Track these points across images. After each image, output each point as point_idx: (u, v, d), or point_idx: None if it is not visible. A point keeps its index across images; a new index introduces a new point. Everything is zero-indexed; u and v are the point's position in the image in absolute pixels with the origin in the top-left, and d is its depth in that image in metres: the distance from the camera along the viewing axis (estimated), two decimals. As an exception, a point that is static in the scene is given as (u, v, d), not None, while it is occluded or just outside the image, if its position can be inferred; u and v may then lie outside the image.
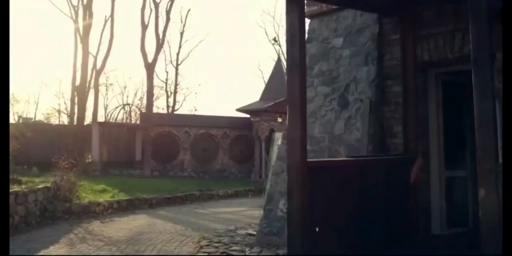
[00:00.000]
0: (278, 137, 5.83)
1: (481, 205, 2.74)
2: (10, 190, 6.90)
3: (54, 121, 30.83)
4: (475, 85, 2.72)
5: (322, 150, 5.13)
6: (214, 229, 6.94)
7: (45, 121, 28.38)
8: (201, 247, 5.57)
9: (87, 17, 20.20)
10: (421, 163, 4.54)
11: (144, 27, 20.72)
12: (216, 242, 5.77)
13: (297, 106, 2.92)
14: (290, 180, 3.09)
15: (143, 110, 22.36)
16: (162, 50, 23.67)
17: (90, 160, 16.22)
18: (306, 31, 6.03)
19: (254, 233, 5.95)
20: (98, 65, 22.22)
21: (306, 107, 3.06)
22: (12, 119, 25.60)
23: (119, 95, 33.85)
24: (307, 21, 6.03)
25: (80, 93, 20.53)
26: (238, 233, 6.45)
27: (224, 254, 5.06)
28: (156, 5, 21.11)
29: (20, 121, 22.80)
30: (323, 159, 4.80)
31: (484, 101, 2.65)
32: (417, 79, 4.73)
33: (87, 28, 20.12)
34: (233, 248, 5.35)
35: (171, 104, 30.25)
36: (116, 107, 21.26)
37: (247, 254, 5.00)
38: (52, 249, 5.58)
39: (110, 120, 20.56)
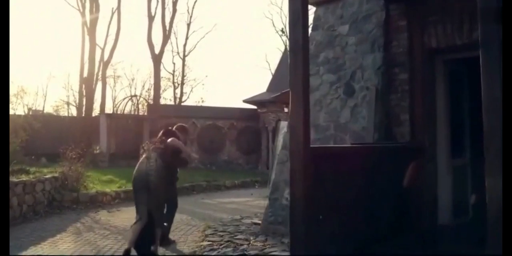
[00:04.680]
0: (283, 126, 5.78)
1: (488, 192, 2.68)
2: (18, 180, 6.99)
3: (63, 113, 31.02)
4: (483, 68, 2.63)
5: (327, 138, 5.08)
6: (219, 219, 6.95)
7: (54, 113, 28.58)
8: (206, 236, 5.58)
9: (94, 9, 20.21)
10: (419, 164, 4.37)
11: (151, 18, 20.72)
12: (221, 231, 5.78)
13: (300, 91, 2.87)
14: (292, 168, 3.04)
15: (151, 102, 22.41)
16: (169, 41, 23.68)
17: (98, 151, 16.33)
18: (312, 19, 5.95)
19: (260, 222, 5.94)
20: (106, 57, 22.27)
21: (309, 92, 3.00)
22: (22, 111, 25.80)
23: (127, 87, 33.92)
24: (313, 8, 5.95)
25: (88, 85, 20.62)
26: (244, 222, 6.45)
27: (229, 242, 5.06)
28: (163, -4, 21.03)
29: (30, 113, 22.99)
30: (327, 145, 4.75)
31: (492, 85, 2.57)
32: (425, 66, 4.65)
33: (94, 20, 20.13)
34: (238, 236, 5.35)
35: (178, 95, 30.29)
36: (124, 99, 21.35)
37: (251, 243, 5.00)
38: (59, 238, 5.63)
39: (118, 112, 20.65)
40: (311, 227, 3.18)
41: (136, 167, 4.48)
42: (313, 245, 3.13)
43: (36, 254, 4.84)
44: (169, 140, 4.65)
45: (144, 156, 4.52)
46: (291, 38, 2.89)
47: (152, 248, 4.36)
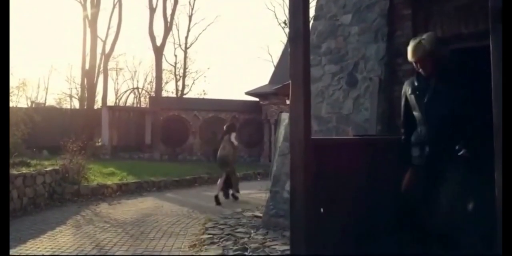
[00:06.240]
0: (285, 118, 5.69)
1: (497, 183, 2.59)
2: (18, 172, 6.95)
3: (66, 105, 30.98)
4: (493, 56, 2.53)
5: (329, 130, 4.99)
6: (220, 212, 6.90)
7: (57, 106, 28.54)
8: (207, 229, 5.53)
9: (95, 1, 20.05)
10: (415, 170, 4.05)
11: (152, 10, 20.54)
12: (222, 224, 5.73)
13: (300, 82, 2.76)
14: (293, 159, 2.95)
15: (153, 94, 22.32)
16: (171, 33, 23.50)
17: (99, 143, 16.31)
18: (314, 9, 5.83)
19: (261, 215, 5.89)
20: (107, 50, 22.15)
21: (309, 82, 2.89)
22: (25, 104, 25.77)
23: (130, 80, 33.87)
24: (315, -2, 5.82)
25: (89, 77, 20.54)
26: (245, 215, 6.40)
27: (229, 236, 5.01)
28: (164, -12, 20.82)
29: (33, 106, 22.96)
30: (329, 136, 4.67)
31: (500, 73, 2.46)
32: (429, 56, 4.53)
33: (96, 13, 20.00)
34: (239, 230, 5.30)
35: (180, 88, 30.17)
36: (126, 91, 21.29)
37: (252, 236, 4.94)
38: (58, 230, 5.59)
39: (120, 104, 20.59)
40: (312, 220, 3.10)
41: (218, 152, 8.35)
42: (313, 240, 3.06)
43: (34, 247, 4.80)
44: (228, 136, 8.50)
45: (222, 145, 8.40)
46: (291, 27, 2.78)
47: (231, 191, 8.55)
